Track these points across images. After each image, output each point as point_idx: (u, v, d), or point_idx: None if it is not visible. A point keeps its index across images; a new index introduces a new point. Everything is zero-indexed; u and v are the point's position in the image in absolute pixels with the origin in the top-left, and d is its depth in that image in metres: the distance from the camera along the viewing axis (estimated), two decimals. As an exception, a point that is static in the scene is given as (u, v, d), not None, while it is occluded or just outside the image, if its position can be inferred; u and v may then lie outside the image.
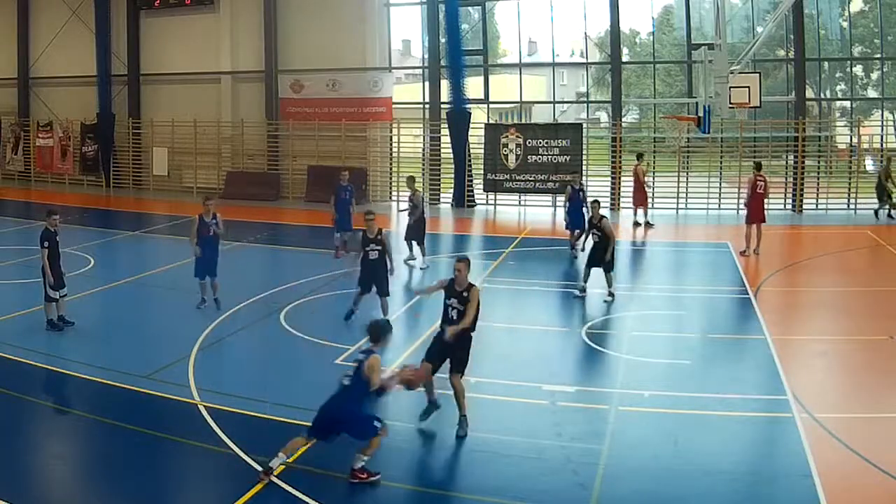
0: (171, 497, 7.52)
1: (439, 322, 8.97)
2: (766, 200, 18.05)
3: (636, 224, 21.89)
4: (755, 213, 17.70)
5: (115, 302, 14.13)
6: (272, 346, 11.85)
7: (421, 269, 16.68)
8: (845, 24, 25.67)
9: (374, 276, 12.62)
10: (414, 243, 17.12)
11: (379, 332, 7.78)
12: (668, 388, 10.25)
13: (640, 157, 22.49)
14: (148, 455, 8.12)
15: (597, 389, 10.03)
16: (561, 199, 25.39)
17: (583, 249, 15.88)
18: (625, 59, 28.41)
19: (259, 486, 7.34)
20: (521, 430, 8.69)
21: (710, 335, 12.04)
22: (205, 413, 9.04)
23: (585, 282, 14.27)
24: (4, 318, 12.58)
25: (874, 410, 9.24)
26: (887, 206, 22.14)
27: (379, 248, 12.66)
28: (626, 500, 7.36)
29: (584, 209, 16.89)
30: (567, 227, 17.85)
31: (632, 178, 22.44)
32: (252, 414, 9.02)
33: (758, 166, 18.54)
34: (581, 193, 17.97)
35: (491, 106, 27.93)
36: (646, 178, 22.09)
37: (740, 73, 18.70)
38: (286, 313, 13.14)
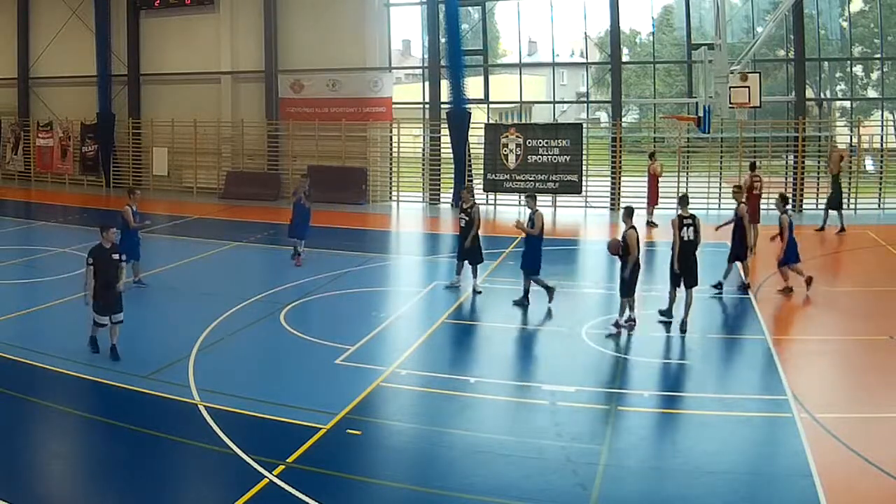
0: (171, 497, 7.51)
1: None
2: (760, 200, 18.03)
3: (649, 224, 20.95)
4: (751, 213, 17.66)
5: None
6: (272, 346, 11.83)
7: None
8: (845, 24, 25.66)
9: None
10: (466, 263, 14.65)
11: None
12: (668, 388, 10.27)
13: (652, 156, 22.22)
14: (148, 455, 8.11)
15: (597, 389, 10.03)
16: (561, 199, 25.54)
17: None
18: (625, 59, 28.43)
19: (259, 486, 7.35)
20: (521, 430, 8.69)
21: (710, 335, 12.02)
22: (205, 413, 9.03)
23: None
24: (4, 318, 12.56)
25: (874, 410, 9.23)
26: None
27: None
28: (626, 500, 7.36)
29: None
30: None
31: (646, 178, 22.16)
32: (252, 414, 9.02)
33: (752, 166, 18.48)
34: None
35: (491, 106, 27.91)
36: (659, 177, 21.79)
37: (740, 72, 18.70)
38: (286, 313, 13.13)
